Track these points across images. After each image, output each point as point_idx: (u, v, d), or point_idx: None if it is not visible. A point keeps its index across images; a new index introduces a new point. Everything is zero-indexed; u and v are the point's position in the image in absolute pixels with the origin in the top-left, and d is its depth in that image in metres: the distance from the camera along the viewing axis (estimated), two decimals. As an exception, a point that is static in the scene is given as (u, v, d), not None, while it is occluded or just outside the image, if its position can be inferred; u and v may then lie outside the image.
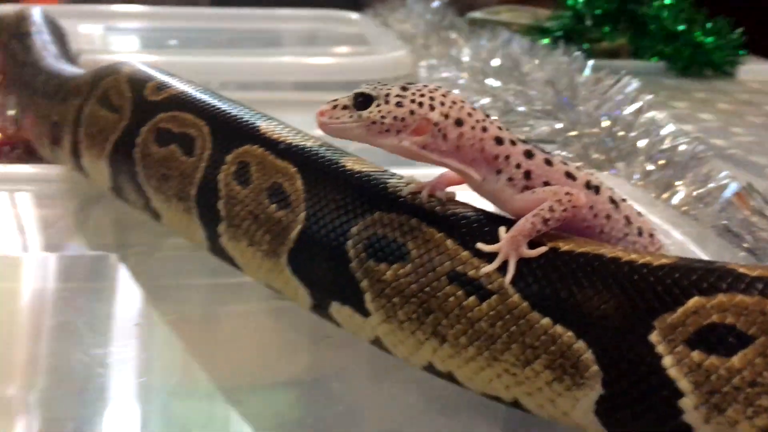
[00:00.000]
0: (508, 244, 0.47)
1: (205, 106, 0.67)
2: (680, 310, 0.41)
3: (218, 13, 1.94)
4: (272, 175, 0.59)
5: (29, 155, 1.00)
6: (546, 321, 0.45)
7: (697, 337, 0.41)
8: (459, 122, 0.49)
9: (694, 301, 0.41)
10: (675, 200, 0.95)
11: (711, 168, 1.00)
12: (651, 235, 0.53)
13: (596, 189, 0.50)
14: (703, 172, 1.00)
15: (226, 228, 0.62)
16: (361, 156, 0.61)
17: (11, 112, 1.03)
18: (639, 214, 0.53)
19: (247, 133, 0.63)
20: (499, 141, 0.49)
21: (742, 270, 0.42)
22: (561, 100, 1.15)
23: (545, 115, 1.15)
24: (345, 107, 0.49)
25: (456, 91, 1.28)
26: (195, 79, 1.41)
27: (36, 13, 1.21)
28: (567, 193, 0.47)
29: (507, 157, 0.49)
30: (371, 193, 0.55)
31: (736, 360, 0.40)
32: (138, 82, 0.74)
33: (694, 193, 0.95)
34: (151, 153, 0.68)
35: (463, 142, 0.49)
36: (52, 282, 0.75)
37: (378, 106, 0.48)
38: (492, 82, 1.26)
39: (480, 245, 0.48)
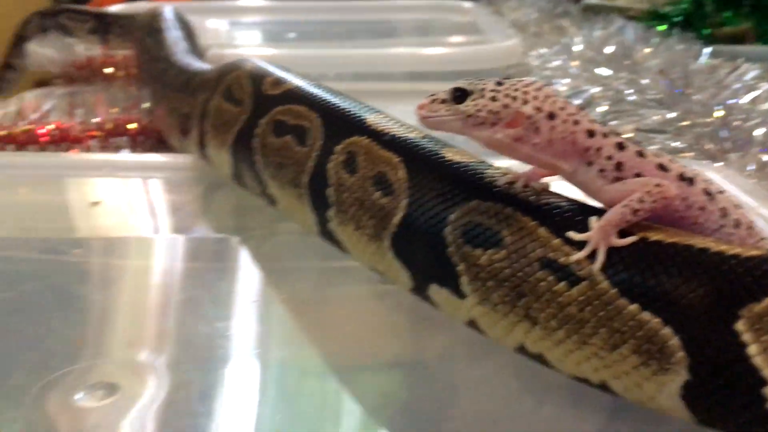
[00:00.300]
0: (598, 233, 0.48)
1: (317, 99, 0.72)
2: (765, 302, 0.42)
3: (334, 5, 2.00)
4: (377, 165, 0.63)
5: (160, 144, 1.08)
6: (634, 307, 0.47)
7: None
8: (551, 116, 0.51)
9: None
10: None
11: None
12: (750, 227, 0.53)
13: (690, 181, 0.51)
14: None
15: (334, 213, 0.66)
16: (461, 148, 0.64)
17: (145, 105, 1.12)
18: (737, 206, 0.53)
19: (355, 125, 0.67)
20: (590, 134, 0.51)
21: None
22: (673, 88, 1.14)
23: (657, 105, 1.14)
24: (443, 101, 0.52)
25: (566, 80, 1.29)
26: (312, 71, 1.48)
27: (167, 10, 1.30)
28: (657, 185, 0.48)
29: (599, 149, 0.51)
30: (469, 183, 0.58)
31: None
32: (258, 78, 0.80)
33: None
34: (269, 143, 0.74)
35: (555, 135, 0.51)
36: (180, 261, 0.82)
37: (474, 100, 0.51)
38: (603, 71, 1.25)
39: (571, 234, 0.50)
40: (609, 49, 1.31)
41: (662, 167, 0.51)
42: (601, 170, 0.51)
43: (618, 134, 0.52)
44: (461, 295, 0.56)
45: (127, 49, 1.34)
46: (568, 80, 1.30)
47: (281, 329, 0.71)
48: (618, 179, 0.50)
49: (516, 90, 0.51)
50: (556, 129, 0.51)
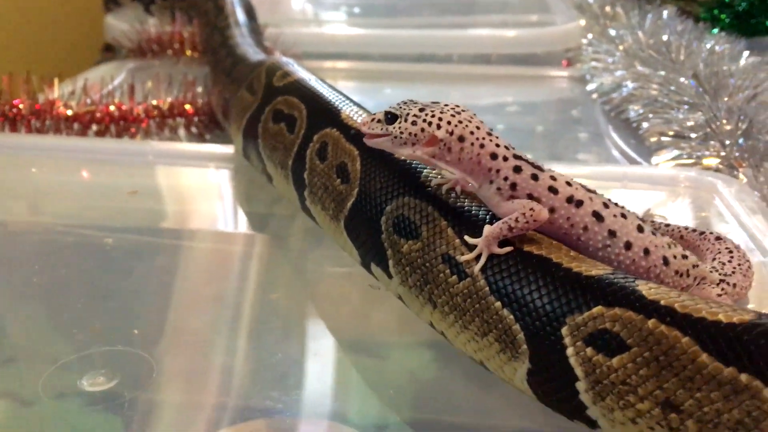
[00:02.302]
0: (483, 241, 0.57)
1: (308, 92, 0.82)
2: (587, 314, 0.50)
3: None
4: (341, 155, 0.73)
5: (214, 125, 1.18)
6: (498, 304, 0.56)
7: (592, 338, 0.50)
8: (461, 138, 0.59)
9: (597, 309, 0.50)
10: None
11: None
12: (646, 252, 0.58)
13: (578, 203, 0.58)
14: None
15: (308, 194, 0.77)
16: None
17: (200, 89, 1.23)
18: (653, 230, 0.59)
19: (331, 118, 0.77)
20: (493, 156, 0.58)
21: (644, 291, 0.49)
22: (705, 90, 1.15)
23: (688, 106, 1.15)
24: (379, 121, 0.61)
25: (606, 75, 1.32)
26: (370, 50, 1.56)
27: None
28: (531, 209, 0.56)
29: (498, 171, 0.58)
30: (407, 180, 0.67)
31: (614, 361, 0.49)
32: (271, 71, 0.91)
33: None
34: (268, 128, 0.85)
35: (463, 155, 0.59)
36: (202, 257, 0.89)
37: (399, 123, 0.60)
38: (643, 67, 1.27)
39: (466, 237, 0.59)
40: (654, 43, 1.32)
41: (552, 189, 0.58)
42: (499, 188, 0.58)
43: (521, 157, 0.59)
44: (389, 275, 0.66)
45: (193, 26, 1.46)
46: (619, 73, 1.33)
47: (300, 322, 0.77)
48: (512, 197, 0.58)
49: (434, 116, 0.59)
50: (465, 150, 0.59)
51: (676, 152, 1.09)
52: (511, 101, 1.55)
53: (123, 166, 1.03)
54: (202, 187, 1.02)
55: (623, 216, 0.58)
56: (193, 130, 1.21)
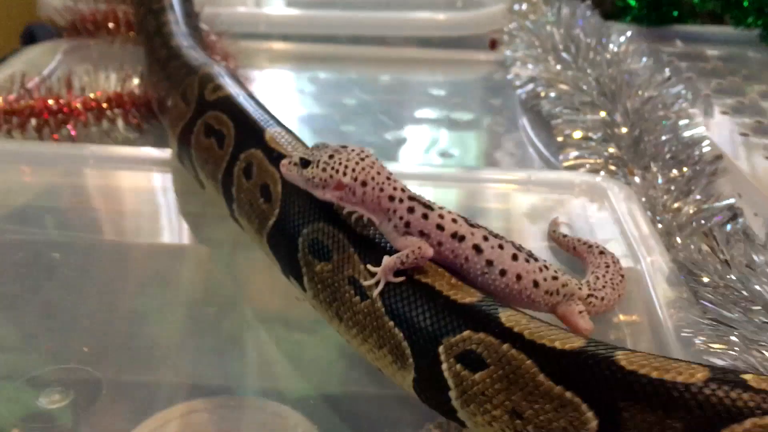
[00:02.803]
0: (381, 270, 0.67)
1: (236, 110, 0.90)
2: (458, 336, 0.61)
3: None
4: (265, 176, 0.82)
5: (153, 115, 1.21)
6: (391, 323, 0.66)
7: (461, 356, 0.61)
8: (364, 183, 0.68)
9: (466, 333, 0.61)
10: (683, 215, 1.02)
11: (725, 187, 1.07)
12: (519, 277, 0.69)
13: (461, 238, 0.68)
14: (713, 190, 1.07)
15: (236, 206, 0.86)
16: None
17: (136, 80, 1.25)
18: (527, 257, 0.69)
19: (255, 139, 0.85)
20: (391, 198, 0.68)
21: (503, 318, 0.61)
22: (604, 92, 1.25)
23: (591, 107, 1.25)
24: (295, 164, 0.70)
25: (521, 67, 1.41)
26: (307, 31, 1.60)
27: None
28: (419, 248, 0.66)
29: (395, 211, 0.68)
30: (322, 207, 0.75)
31: (477, 376, 0.60)
32: (204, 82, 0.98)
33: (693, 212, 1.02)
34: (200, 141, 0.93)
35: (366, 198, 0.68)
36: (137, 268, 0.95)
37: (312, 168, 0.69)
38: (554, 63, 1.37)
39: (368, 266, 0.69)
40: (566, 38, 1.40)
41: (440, 227, 0.68)
42: (395, 226, 0.68)
43: (414, 198, 0.69)
44: (304, 289, 0.76)
45: (127, 4, 1.47)
46: (523, 66, 1.43)
47: (235, 306, 0.86)
48: (406, 233, 0.68)
49: (340, 163, 0.68)
50: (367, 194, 0.68)
51: (578, 153, 1.19)
52: (439, 83, 1.63)
53: (64, 168, 1.08)
54: (143, 192, 1.08)
55: (500, 247, 0.69)
56: (131, 120, 1.26)
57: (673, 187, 1.08)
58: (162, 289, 0.89)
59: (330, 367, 0.77)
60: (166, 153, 1.09)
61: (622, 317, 0.83)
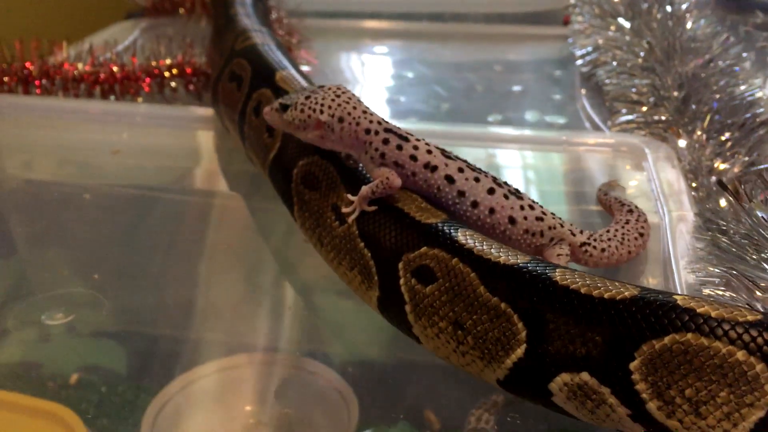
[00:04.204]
0: (357, 199, 0.68)
1: (254, 55, 0.93)
2: (416, 252, 0.62)
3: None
4: (271, 113, 0.84)
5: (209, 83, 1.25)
6: (362, 245, 0.67)
7: (417, 271, 0.62)
8: (341, 119, 0.69)
9: (423, 249, 0.62)
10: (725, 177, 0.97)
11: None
12: (492, 211, 0.68)
13: (433, 168, 0.68)
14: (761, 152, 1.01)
15: (248, 145, 0.89)
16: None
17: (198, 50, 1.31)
18: (509, 194, 0.69)
19: (266, 79, 0.88)
20: (367, 132, 0.69)
21: (459, 236, 0.60)
22: (656, 56, 1.19)
23: (642, 71, 1.20)
24: (276, 110, 0.72)
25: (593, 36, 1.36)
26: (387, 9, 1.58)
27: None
28: (387, 178, 0.67)
29: (371, 143, 0.69)
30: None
31: (428, 289, 0.60)
32: (237, 35, 1.02)
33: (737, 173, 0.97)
34: (225, 87, 0.97)
35: (344, 133, 0.69)
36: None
37: (291, 111, 0.70)
38: (611, 29, 1.32)
39: (347, 195, 0.70)
40: (628, 3, 1.34)
41: (413, 157, 0.68)
42: (372, 158, 0.69)
43: (390, 131, 0.69)
44: (295, 218, 0.78)
45: None
46: (585, 36, 1.39)
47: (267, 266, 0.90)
48: (382, 164, 0.69)
49: (317, 102, 0.69)
50: (344, 129, 0.69)
51: (626, 118, 1.15)
52: (509, 60, 1.61)
53: (109, 125, 1.14)
54: (183, 147, 1.12)
55: (476, 180, 0.68)
56: (191, 87, 1.31)
57: (719, 150, 1.02)
58: (220, 254, 0.92)
59: (375, 336, 0.78)
60: (210, 111, 1.12)
61: (645, 268, 0.79)
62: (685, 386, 0.48)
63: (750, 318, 0.47)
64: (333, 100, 0.70)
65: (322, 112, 0.69)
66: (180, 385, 0.73)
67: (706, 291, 0.72)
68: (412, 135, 0.70)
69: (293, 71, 0.89)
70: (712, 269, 0.74)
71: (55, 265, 0.88)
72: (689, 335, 0.47)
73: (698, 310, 0.48)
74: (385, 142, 0.69)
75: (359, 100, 0.71)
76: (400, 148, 0.68)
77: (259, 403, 0.72)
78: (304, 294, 0.87)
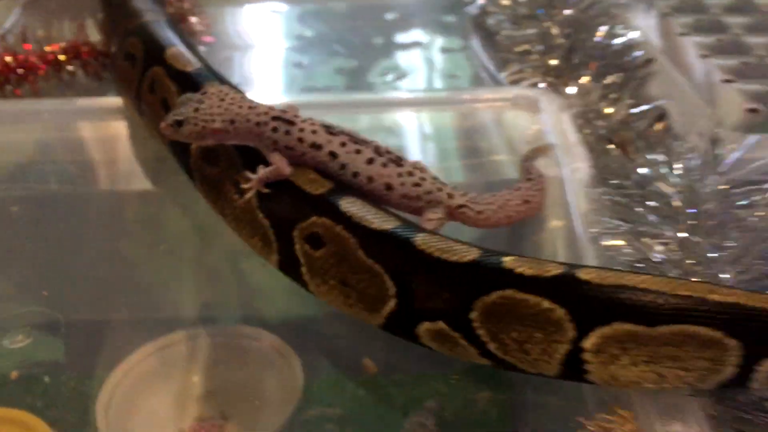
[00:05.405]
0: (254, 180, 0.74)
1: (146, 30, 0.95)
2: (307, 221, 0.69)
3: None
4: (165, 91, 0.86)
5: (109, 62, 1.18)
6: (261, 215, 0.73)
7: (308, 237, 0.69)
8: (232, 121, 0.73)
9: (313, 218, 0.69)
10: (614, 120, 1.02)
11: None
12: (370, 179, 0.73)
13: (318, 147, 0.73)
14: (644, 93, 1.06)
15: (146, 122, 0.92)
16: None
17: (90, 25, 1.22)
18: (388, 163, 0.73)
19: (156, 58, 0.90)
20: (257, 125, 0.73)
21: (342, 205, 0.68)
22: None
23: (530, 20, 1.23)
24: (171, 126, 0.74)
25: None
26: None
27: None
28: (276, 167, 0.73)
29: (264, 133, 0.74)
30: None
31: (318, 253, 0.68)
32: (127, 15, 1.01)
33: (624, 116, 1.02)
34: (120, 65, 0.98)
35: (239, 130, 0.74)
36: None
37: (185, 126, 0.73)
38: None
39: (246, 173, 0.74)
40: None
41: (300, 140, 0.73)
42: (266, 146, 0.74)
43: (279, 118, 0.73)
44: (195, 185, 0.83)
45: None
46: None
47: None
48: (275, 150, 0.74)
49: (206, 113, 0.73)
50: (238, 128, 0.73)
51: (518, 67, 1.19)
52: (393, 5, 1.60)
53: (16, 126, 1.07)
54: (97, 139, 1.07)
55: (357, 152, 0.74)
56: (90, 69, 1.24)
57: (605, 93, 1.08)
58: (144, 233, 0.94)
59: (304, 294, 0.79)
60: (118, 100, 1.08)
61: (546, 222, 0.84)
62: (511, 331, 0.59)
63: (554, 272, 0.58)
64: (219, 106, 0.73)
65: (213, 121, 0.73)
66: (124, 370, 0.77)
67: (605, 243, 0.78)
68: (298, 117, 0.75)
69: (182, 48, 0.90)
70: (607, 221, 0.80)
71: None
72: (509, 291, 0.58)
73: (516, 270, 0.59)
74: (275, 130, 0.74)
75: (243, 97, 0.76)
76: (288, 133, 0.74)
77: (206, 374, 0.77)
78: (230, 261, 0.90)
